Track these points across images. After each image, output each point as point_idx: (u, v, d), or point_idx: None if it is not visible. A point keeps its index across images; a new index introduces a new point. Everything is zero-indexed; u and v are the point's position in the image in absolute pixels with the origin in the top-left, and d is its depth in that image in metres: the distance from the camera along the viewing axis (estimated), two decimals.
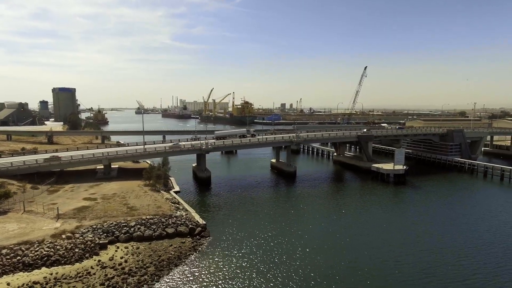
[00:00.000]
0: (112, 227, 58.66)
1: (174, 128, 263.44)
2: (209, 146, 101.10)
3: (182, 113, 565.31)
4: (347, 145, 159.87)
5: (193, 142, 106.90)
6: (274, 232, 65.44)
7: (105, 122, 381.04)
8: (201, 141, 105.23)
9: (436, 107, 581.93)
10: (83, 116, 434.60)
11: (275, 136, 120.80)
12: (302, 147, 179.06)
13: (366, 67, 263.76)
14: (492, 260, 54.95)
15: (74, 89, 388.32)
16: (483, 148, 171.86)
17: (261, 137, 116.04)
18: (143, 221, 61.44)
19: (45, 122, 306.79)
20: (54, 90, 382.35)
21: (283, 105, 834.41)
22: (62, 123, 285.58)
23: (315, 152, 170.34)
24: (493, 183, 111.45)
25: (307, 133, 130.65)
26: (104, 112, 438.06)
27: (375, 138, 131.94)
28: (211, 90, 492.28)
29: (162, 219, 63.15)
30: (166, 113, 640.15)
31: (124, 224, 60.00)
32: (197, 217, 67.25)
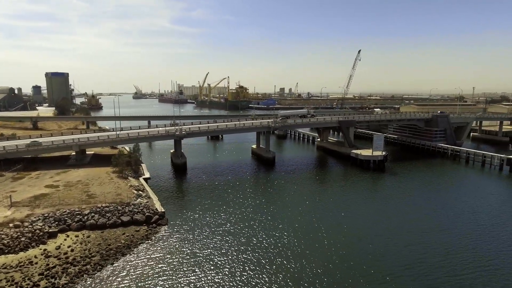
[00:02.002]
0: (65, 215, 57.76)
1: (161, 113, 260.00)
2: (183, 132, 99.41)
3: (178, 98, 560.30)
4: (331, 130, 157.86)
5: (167, 128, 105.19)
6: (237, 219, 64.50)
7: (99, 107, 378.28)
8: (176, 127, 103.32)
9: (435, 91, 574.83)
10: (77, 101, 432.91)
11: (252, 121, 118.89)
12: (289, 132, 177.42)
13: (360, 50, 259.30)
14: (443, 247, 54.30)
15: (67, 73, 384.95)
16: (472, 134, 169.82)
17: (238, 122, 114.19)
18: (98, 209, 60.50)
19: (37, 107, 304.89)
20: (47, 74, 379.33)
21: (282, 89, 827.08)
22: (54, 108, 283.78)
23: (301, 138, 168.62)
24: (474, 169, 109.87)
25: (287, 118, 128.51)
26: (98, 97, 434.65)
27: (358, 124, 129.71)
28: (206, 75, 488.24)
29: (118, 207, 62.20)
30: (162, 98, 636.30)
31: (77, 212, 59.09)
32: (157, 205, 66.25)
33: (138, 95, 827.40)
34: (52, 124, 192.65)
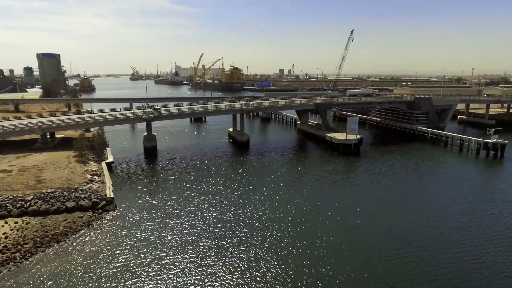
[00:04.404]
0: (6, 202, 56.65)
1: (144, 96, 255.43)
2: (151, 115, 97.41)
3: (174, 79, 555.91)
4: (311, 113, 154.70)
5: (136, 111, 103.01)
6: (191, 204, 63.24)
7: (92, 89, 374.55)
8: (146, 110, 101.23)
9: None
10: (71, 82, 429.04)
11: (225, 104, 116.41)
12: (273, 115, 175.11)
13: (352, 30, 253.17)
14: (385, 229, 53.62)
15: (59, 54, 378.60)
16: (458, 116, 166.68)
17: (210, 105, 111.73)
18: (42, 195, 59.35)
19: (27, 90, 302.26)
20: (38, 56, 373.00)
21: (281, 71, 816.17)
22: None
23: (284, 120, 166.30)
24: (452, 153, 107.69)
25: (261, 101, 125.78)
26: (91, 79, 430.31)
27: (336, 106, 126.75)
28: (201, 56, 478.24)
29: (64, 192, 61.03)
30: (159, 80, 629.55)
31: (20, 198, 57.98)
32: (107, 190, 65.05)
33: (135, 77, 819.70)
34: (35, 107, 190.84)
